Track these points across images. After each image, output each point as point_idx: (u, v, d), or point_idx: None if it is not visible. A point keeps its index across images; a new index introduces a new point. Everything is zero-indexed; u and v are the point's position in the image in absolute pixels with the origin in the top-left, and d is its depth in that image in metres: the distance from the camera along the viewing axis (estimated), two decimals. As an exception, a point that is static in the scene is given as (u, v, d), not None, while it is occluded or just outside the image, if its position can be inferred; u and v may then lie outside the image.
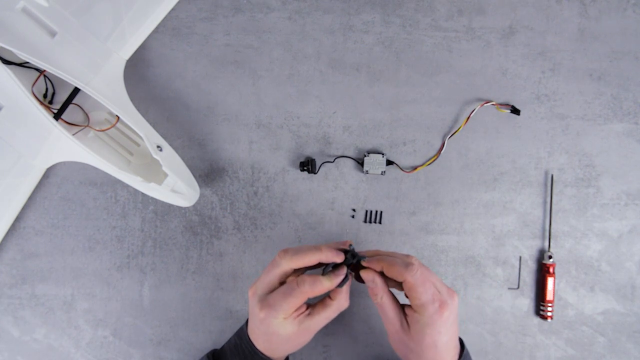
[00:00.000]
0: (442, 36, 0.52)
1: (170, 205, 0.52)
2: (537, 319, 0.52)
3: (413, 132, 0.52)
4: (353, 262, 0.41)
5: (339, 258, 0.39)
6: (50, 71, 0.44)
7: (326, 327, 0.52)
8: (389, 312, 0.40)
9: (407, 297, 0.39)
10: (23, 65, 0.47)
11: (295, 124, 0.52)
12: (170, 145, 0.49)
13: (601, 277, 0.52)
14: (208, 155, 0.52)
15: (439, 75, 0.52)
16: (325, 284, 0.38)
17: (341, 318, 0.52)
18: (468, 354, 0.42)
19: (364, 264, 0.41)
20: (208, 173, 0.53)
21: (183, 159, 0.49)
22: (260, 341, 0.41)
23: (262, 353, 0.40)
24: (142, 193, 0.51)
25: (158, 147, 0.47)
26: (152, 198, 0.51)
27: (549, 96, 0.52)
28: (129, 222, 0.52)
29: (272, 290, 0.39)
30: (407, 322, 0.39)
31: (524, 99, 0.52)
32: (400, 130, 0.52)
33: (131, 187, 0.51)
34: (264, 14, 0.52)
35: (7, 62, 0.46)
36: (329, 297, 0.41)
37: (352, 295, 0.52)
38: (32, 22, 0.46)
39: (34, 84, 0.47)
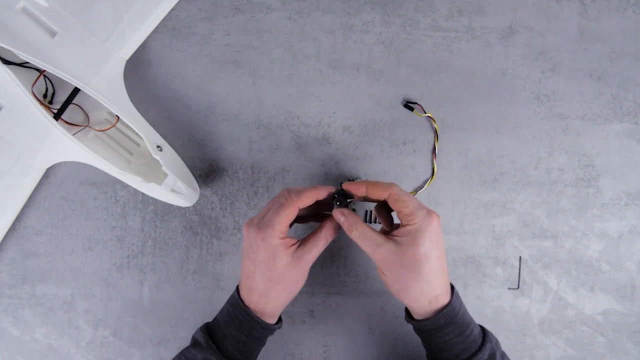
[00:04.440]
0: (442, 36, 0.52)
1: (170, 205, 0.52)
2: (537, 319, 0.52)
3: (413, 132, 0.52)
4: (343, 194, 0.42)
5: (331, 189, 0.42)
6: (50, 71, 0.44)
7: (326, 327, 0.52)
8: (372, 236, 0.39)
9: (395, 210, 0.40)
10: (23, 65, 0.47)
11: (295, 124, 0.52)
12: (170, 145, 0.49)
13: (601, 277, 0.52)
14: (208, 155, 0.52)
15: (439, 75, 0.52)
16: (310, 192, 0.40)
17: (341, 318, 0.52)
18: (458, 294, 0.41)
19: (344, 186, 0.42)
20: (208, 173, 0.53)
21: (183, 159, 0.49)
22: (255, 292, 0.40)
23: (257, 317, 0.40)
24: (142, 193, 0.51)
25: (158, 147, 0.47)
26: (152, 198, 0.51)
27: (549, 96, 0.52)
28: (129, 222, 0.52)
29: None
30: (395, 242, 0.38)
31: (524, 99, 0.52)
32: (400, 130, 0.52)
33: (131, 187, 0.51)
34: (264, 14, 0.52)
35: (7, 62, 0.46)
36: (320, 226, 0.42)
37: (352, 295, 0.52)
38: (32, 22, 0.46)
39: (34, 84, 0.47)
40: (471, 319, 0.41)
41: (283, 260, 0.39)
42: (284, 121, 0.52)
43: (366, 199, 0.42)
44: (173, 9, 0.52)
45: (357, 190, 0.41)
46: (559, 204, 0.52)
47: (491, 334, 0.41)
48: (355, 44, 0.52)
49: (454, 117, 0.52)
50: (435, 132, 0.52)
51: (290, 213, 0.39)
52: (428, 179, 0.52)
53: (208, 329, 0.42)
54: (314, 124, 0.52)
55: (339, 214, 0.41)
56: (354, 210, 0.41)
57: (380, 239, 0.39)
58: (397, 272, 0.38)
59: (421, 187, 0.52)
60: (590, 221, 0.52)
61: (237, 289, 0.42)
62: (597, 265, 0.52)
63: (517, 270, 0.52)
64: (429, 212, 0.38)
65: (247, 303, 0.40)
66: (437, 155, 0.52)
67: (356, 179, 0.41)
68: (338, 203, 0.42)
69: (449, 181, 0.52)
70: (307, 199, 0.40)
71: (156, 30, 0.52)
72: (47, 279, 0.52)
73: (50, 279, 0.52)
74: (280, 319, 0.44)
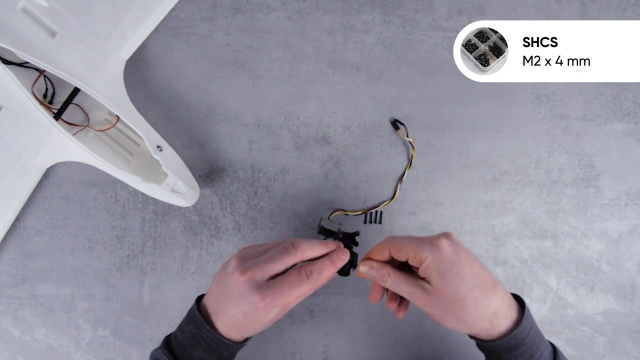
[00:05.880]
0: (442, 36, 0.52)
1: (170, 205, 0.52)
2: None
3: (413, 132, 0.52)
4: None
5: (346, 256, 0.40)
6: (50, 71, 0.44)
7: (326, 327, 0.52)
8: (406, 286, 0.38)
9: (408, 263, 0.39)
10: (23, 65, 0.47)
11: (295, 124, 0.52)
12: (170, 145, 0.49)
13: (601, 277, 0.52)
14: (208, 155, 0.52)
15: (439, 75, 0.52)
16: (330, 272, 0.38)
17: (341, 318, 0.52)
18: (529, 313, 0.38)
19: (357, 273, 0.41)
20: (208, 173, 0.53)
21: (183, 159, 0.49)
22: (234, 329, 0.38)
23: (227, 339, 0.38)
24: (142, 193, 0.51)
25: (158, 147, 0.47)
26: (152, 198, 0.51)
27: (549, 96, 0.52)
28: (129, 222, 0.52)
29: (272, 278, 0.37)
30: (429, 283, 0.37)
31: (524, 99, 0.52)
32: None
33: (131, 187, 0.51)
34: (264, 14, 0.52)
35: (7, 62, 0.46)
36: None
37: (352, 295, 0.52)
38: (32, 22, 0.46)
39: (34, 84, 0.47)
40: (542, 339, 0.39)
41: (273, 314, 0.37)
42: (284, 121, 0.52)
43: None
44: (173, 9, 0.52)
45: (365, 259, 0.41)
46: (559, 204, 0.52)
47: (562, 354, 0.40)
48: (355, 44, 0.52)
49: (454, 117, 0.52)
50: (410, 159, 0.51)
51: (307, 292, 0.37)
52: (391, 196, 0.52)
53: (170, 350, 0.39)
54: (314, 124, 0.52)
55: (365, 271, 0.40)
56: (354, 251, 0.42)
57: (416, 288, 0.38)
58: (443, 309, 0.37)
59: (376, 206, 0.52)
60: (590, 221, 0.52)
61: (198, 306, 0.39)
62: (597, 265, 0.52)
63: (517, 270, 0.52)
64: (435, 240, 0.37)
65: (220, 331, 0.38)
66: (395, 195, 0.52)
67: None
68: (341, 272, 0.40)
69: (449, 181, 0.52)
70: (327, 277, 0.38)
71: (156, 30, 0.52)
72: (47, 279, 0.52)
73: (50, 279, 0.52)
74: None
